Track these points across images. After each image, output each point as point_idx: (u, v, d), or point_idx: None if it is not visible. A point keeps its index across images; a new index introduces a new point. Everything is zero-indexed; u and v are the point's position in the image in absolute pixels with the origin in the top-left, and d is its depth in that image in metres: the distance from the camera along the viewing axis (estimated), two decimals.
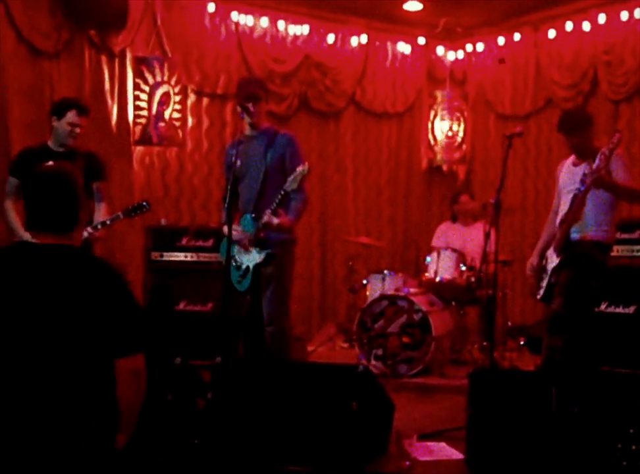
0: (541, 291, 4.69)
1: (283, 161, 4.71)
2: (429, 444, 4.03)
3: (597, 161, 4.31)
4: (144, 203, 4.98)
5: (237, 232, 4.72)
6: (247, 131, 4.85)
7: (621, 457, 3.24)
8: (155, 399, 3.66)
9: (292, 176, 4.46)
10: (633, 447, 3.24)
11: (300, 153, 4.82)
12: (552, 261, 4.65)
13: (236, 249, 4.79)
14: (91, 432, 2.53)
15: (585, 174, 4.44)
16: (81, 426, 2.52)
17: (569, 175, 4.72)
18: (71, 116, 4.88)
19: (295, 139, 4.84)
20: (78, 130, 4.91)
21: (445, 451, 3.94)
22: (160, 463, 3.43)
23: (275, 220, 4.51)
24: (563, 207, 4.65)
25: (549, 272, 4.65)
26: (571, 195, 4.57)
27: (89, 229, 4.79)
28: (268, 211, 4.51)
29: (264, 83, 5.13)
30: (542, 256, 4.80)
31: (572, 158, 4.79)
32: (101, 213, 5.01)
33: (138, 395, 2.78)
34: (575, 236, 4.59)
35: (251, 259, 4.73)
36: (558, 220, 4.69)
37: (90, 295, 2.55)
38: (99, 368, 2.57)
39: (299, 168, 4.46)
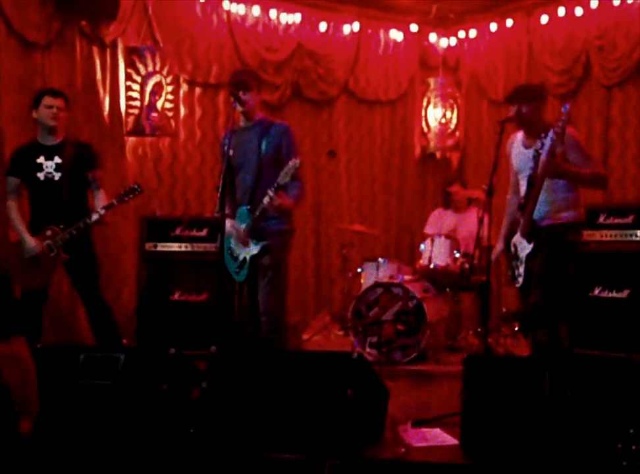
0: (520, 279, 4.58)
1: (279, 152, 4.70)
2: (424, 430, 4.04)
3: (548, 142, 4.22)
4: (136, 186, 5.03)
5: (234, 227, 4.73)
6: (242, 122, 4.84)
7: (621, 457, 3.25)
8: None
9: (284, 170, 4.46)
10: (633, 447, 3.25)
11: (295, 143, 4.83)
12: (524, 247, 4.55)
13: (233, 241, 4.81)
14: None
15: (535, 154, 4.35)
16: None
17: (522, 157, 4.63)
18: (45, 99, 5.01)
19: (291, 129, 4.84)
20: (55, 110, 5.02)
21: (440, 437, 3.95)
22: (155, 452, 3.44)
23: (277, 200, 4.49)
24: (522, 190, 4.59)
25: (523, 259, 4.55)
26: (527, 179, 4.50)
27: (101, 212, 4.86)
28: (269, 191, 4.48)
29: (256, 73, 5.14)
30: (508, 242, 4.73)
31: (521, 136, 4.69)
32: (100, 200, 5.07)
33: (25, 381, 2.76)
34: (543, 220, 4.52)
35: (247, 250, 4.74)
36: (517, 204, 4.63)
37: None
38: None
39: (291, 163, 4.46)
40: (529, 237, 4.52)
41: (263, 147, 4.71)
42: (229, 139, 4.64)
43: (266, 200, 4.52)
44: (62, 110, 5.06)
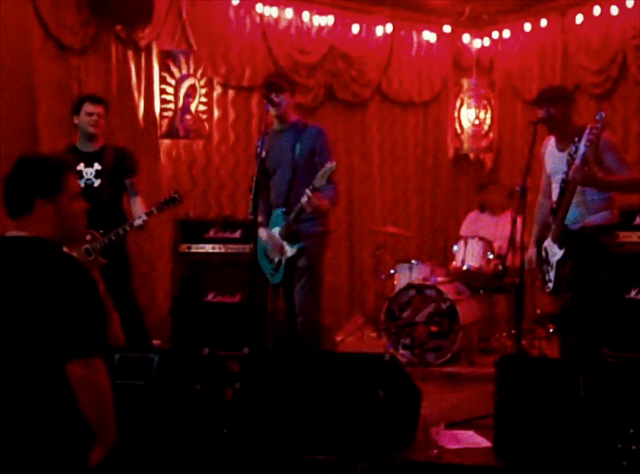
0: (550, 285, 4.55)
1: (313, 154, 4.70)
2: (457, 432, 4.02)
3: (582, 148, 4.16)
4: (175, 196, 5.01)
5: (268, 237, 4.75)
6: (276, 125, 4.85)
7: (621, 457, 3.22)
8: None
9: (320, 173, 4.46)
10: (633, 447, 3.22)
11: (330, 146, 4.82)
12: (554, 252, 4.51)
13: (268, 248, 4.82)
14: (42, 446, 2.44)
15: (569, 158, 4.30)
16: (26, 440, 2.44)
17: (556, 160, 4.58)
18: (86, 106, 5.03)
19: (325, 131, 4.84)
20: (95, 118, 5.04)
21: (473, 439, 3.93)
22: (189, 452, 3.47)
23: (314, 201, 4.48)
24: (555, 194, 4.54)
25: (554, 265, 4.51)
26: (559, 183, 4.44)
27: (144, 217, 4.88)
28: (307, 191, 4.46)
29: (289, 75, 5.16)
30: (540, 246, 4.68)
31: (554, 140, 4.65)
32: (138, 206, 5.11)
33: (102, 410, 2.48)
34: (574, 224, 4.47)
35: (283, 252, 4.75)
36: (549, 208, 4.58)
37: (28, 292, 2.47)
38: (42, 375, 2.46)
39: (327, 166, 4.45)
40: (560, 243, 4.47)
41: (297, 149, 4.71)
42: (262, 141, 4.65)
43: (304, 200, 4.49)
44: (103, 118, 5.09)
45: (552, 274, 4.54)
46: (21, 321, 2.46)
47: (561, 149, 4.55)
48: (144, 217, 4.91)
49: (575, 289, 4.43)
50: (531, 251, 4.80)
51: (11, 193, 2.60)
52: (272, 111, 4.73)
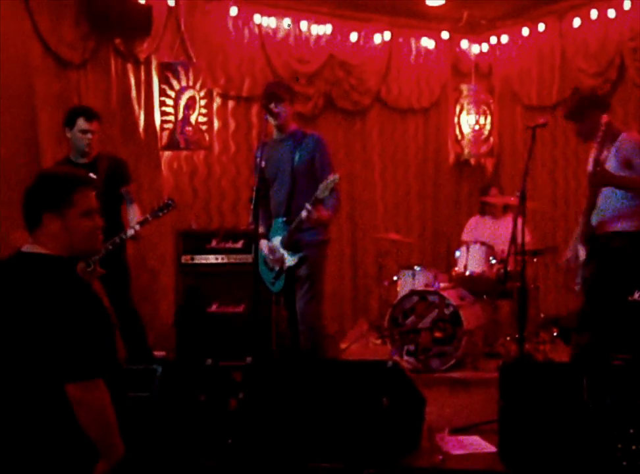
0: (578, 286, 4.66)
1: (312, 163, 4.72)
2: (462, 437, 4.03)
3: (613, 150, 4.21)
4: (169, 202, 5.05)
5: (268, 249, 4.76)
6: (275, 134, 4.87)
7: (621, 457, 3.22)
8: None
9: (322, 184, 4.45)
10: (633, 447, 3.22)
11: (329, 154, 4.84)
12: (581, 254, 4.60)
13: (268, 259, 4.83)
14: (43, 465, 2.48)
15: (595, 161, 4.36)
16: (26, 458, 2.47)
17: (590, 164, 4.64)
18: (80, 123, 5.02)
19: (324, 140, 4.86)
20: (89, 136, 5.04)
21: (478, 444, 3.94)
22: (194, 462, 3.47)
23: (314, 214, 4.50)
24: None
25: (581, 265, 4.62)
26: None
27: (136, 227, 4.88)
28: (307, 205, 4.48)
29: (288, 85, 5.16)
30: (576, 247, 4.75)
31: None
32: (133, 214, 5.12)
33: (103, 425, 2.49)
34: (599, 229, 4.53)
35: (284, 263, 4.76)
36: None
37: (28, 312, 2.49)
38: (44, 392, 2.49)
39: (331, 177, 4.46)
40: (586, 244, 4.56)
41: (297, 158, 4.73)
42: (262, 151, 4.67)
43: (304, 214, 4.51)
44: (97, 133, 5.11)
45: (579, 275, 4.64)
46: (21, 340, 2.49)
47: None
48: (136, 227, 4.92)
49: (591, 292, 4.46)
50: (568, 252, 4.83)
51: (24, 206, 2.65)
52: (271, 121, 4.74)
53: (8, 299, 2.53)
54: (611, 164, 4.44)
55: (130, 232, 4.93)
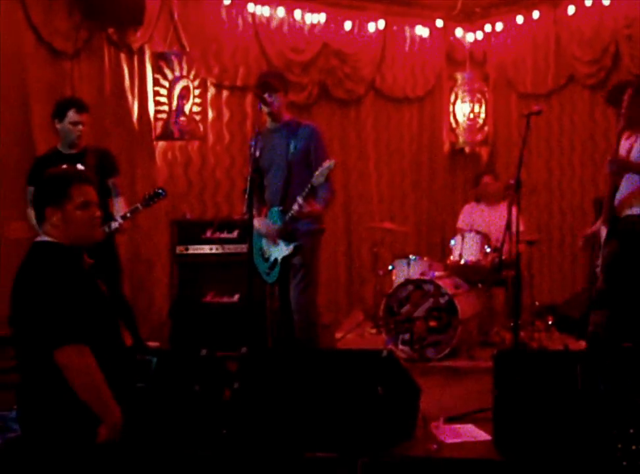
0: (598, 268, 4.67)
1: (307, 153, 4.72)
2: (456, 426, 4.03)
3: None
4: (159, 190, 5.05)
5: (264, 225, 4.76)
6: (269, 124, 4.87)
7: (621, 457, 3.22)
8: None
9: (318, 171, 4.47)
10: (633, 447, 3.22)
11: (324, 144, 4.85)
12: (603, 234, 4.65)
13: (264, 241, 4.84)
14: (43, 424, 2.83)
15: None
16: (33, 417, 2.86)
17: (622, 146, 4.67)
18: (71, 115, 5.01)
19: (318, 130, 4.86)
20: (80, 127, 5.04)
21: (472, 433, 3.94)
22: (188, 453, 3.47)
23: (306, 208, 4.53)
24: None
25: (602, 245, 4.66)
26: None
27: (120, 220, 4.88)
28: (299, 198, 4.52)
29: (282, 74, 5.15)
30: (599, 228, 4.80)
31: None
32: (119, 207, 5.10)
33: (89, 391, 2.81)
34: (621, 210, 4.57)
35: (279, 251, 4.77)
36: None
37: (24, 290, 2.87)
38: (43, 365, 2.81)
39: (326, 164, 4.47)
40: (607, 225, 4.59)
41: (291, 148, 4.73)
42: (256, 141, 4.67)
43: (295, 208, 4.54)
44: (86, 125, 5.10)
45: (600, 255, 4.65)
46: (23, 316, 2.88)
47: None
48: (120, 220, 4.90)
49: (610, 271, 4.49)
50: (598, 224, 4.86)
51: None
52: (265, 110, 4.75)
53: (19, 281, 2.89)
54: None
55: (115, 224, 4.91)
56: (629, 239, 4.53)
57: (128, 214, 4.97)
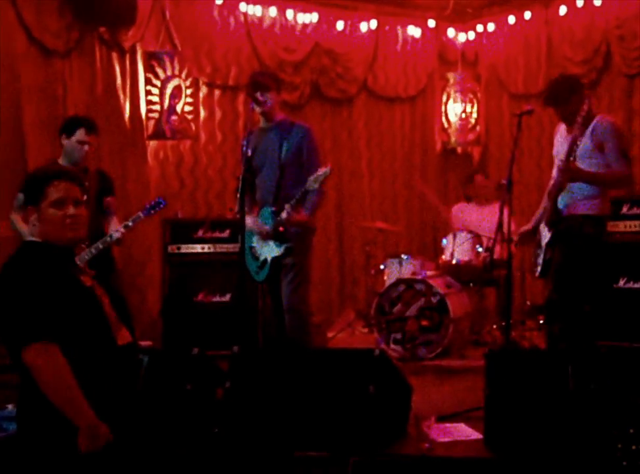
0: (538, 269, 4.60)
1: (300, 154, 4.72)
2: (448, 425, 4.03)
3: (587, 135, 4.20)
4: (160, 200, 4.99)
5: (255, 223, 4.75)
6: (262, 123, 4.87)
7: (621, 457, 3.23)
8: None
9: (313, 176, 4.46)
10: (633, 447, 3.22)
11: (317, 146, 4.85)
12: (545, 235, 4.56)
13: (255, 239, 4.83)
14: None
15: (573, 144, 4.34)
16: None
17: (560, 144, 4.61)
18: (80, 134, 4.91)
19: (312, 131, 4.86)
20: (87, 148, 4.94)
21: (464, 431, 3.94)
22: (180, 452, 3.47)
23: (294, 217, 4.55)
24: (554, 176, 4.57)
25: (543, 248, 4.56)
26: (558, 166, 4.48)
27: (122, 229, 4.84)
28: (287, 207, 4.53)
29: (274, 74, 5.15)
30: (536, 227, 4.72)
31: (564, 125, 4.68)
32: (113, 226, 5.02)
33: (57, 392, 2.67)
34: (564, 210, 4.50)
35: (269, 251, 4.76)
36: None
37: (5, 288, 2.79)
38: (17, 361, 2.73)
39: (322, 170, 4.46)
40: (550, 226, 4.52)
41: (284, 148, 4.72)
42: (248, 140, 4.67)
43: (284, 215, 4.56)
44: (93, 146, 5.01)
45: (540, 258, 4.59)
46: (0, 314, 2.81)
47: (568, 133, 4.55)
48: (121, 229, 4.85)
49: (557, 278, 4.46)
50: (527, 226, 4.82)
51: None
52: (257, 109, 4.74)
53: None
54: (586, 147, 4.42)
55: (116, 234, 4.80)
56: (580, 244, 4.47)
57: (130, 224, 4.93)
